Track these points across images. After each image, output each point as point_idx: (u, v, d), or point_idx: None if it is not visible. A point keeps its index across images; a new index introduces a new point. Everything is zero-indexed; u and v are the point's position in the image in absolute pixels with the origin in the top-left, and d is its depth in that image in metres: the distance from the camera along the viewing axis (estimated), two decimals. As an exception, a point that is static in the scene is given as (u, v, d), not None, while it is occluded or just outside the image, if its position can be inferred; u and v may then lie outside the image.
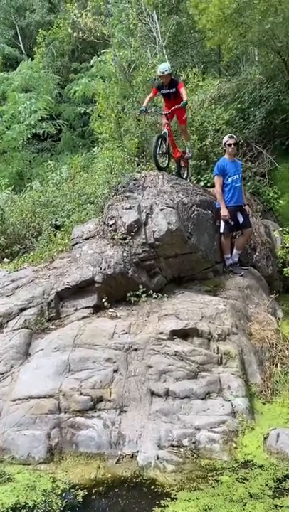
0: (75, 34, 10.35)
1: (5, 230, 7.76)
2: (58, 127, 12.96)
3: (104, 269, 5.74)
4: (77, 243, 6.42)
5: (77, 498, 3.58)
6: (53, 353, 4.85)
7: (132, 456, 3.96)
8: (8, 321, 5.47)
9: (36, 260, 6.95)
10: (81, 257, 6.09)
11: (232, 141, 6.72)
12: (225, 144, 6.81)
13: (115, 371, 4.58)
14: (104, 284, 5.72)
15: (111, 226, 6.16)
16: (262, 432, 4.09)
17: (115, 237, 6.00)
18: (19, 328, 5.32)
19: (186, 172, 7.80)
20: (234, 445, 3.98)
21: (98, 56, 14.02)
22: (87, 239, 6.38)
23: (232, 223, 6.67)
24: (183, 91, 6.89)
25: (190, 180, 7.59)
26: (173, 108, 6.95)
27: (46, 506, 3.48)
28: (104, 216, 6.44)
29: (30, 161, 12.00)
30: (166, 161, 7.09)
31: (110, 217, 6.23)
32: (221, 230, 6.66)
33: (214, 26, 7.98)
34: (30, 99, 12.29)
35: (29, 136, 11.74)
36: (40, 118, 11.85)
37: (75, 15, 10.10)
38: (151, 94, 7.22)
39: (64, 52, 16.08)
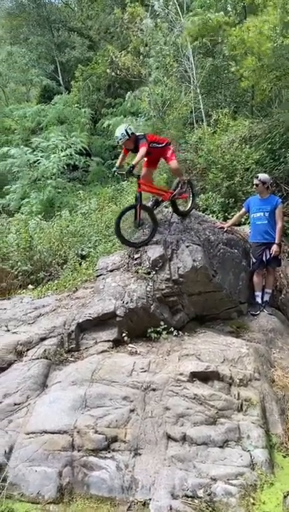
0: (112, 73, 10.74)
1: (32, 256, 7.89)
2: (91, 160, 13.32)
3: (127, 303, 5.72)
4: (101, 274, 6.43)
5: None
6: (70, 387, 4.78)
7: (144, 504, 3.79)
8: (28, 350, 5.45)
9: (60, 289, 7.00)
10: (104, 288, 6.09)
11: (254, 181, 6.80)
12: None
13: (132, 411, 4.46)
14: (126, 318, 5.68)
15: (136, 260, 6.16)
16: (282, 489, 3.87)
17: (139, 271, 5.98)
18: (38, 358, 5.29)
19: (189, 204, 6.90)
20: (252, 501, 3.77)
21: (133, 91, 14.48)
22: (111, 271, 6.39)
23: (253, 260, 6.73)
24: (140, 151, 5.83)
25: (190, 211, 6.84)
26: (127, 172, 5.84)
27: None
28: (129, 249, 6.47)
29: (61, 190, 12.28)
30: (145, 236, 6.17)
31: (136, 251, 6.24)
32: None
33: (250, 74, 8.19)
34: (67, 133, 12.77)
35: (64, 166, 12.11)
36: (76, 151, 12.26)
37: (113, 53, 10.52)
38: (122, 153, 6.34)
39: (100, 87, 16.67)
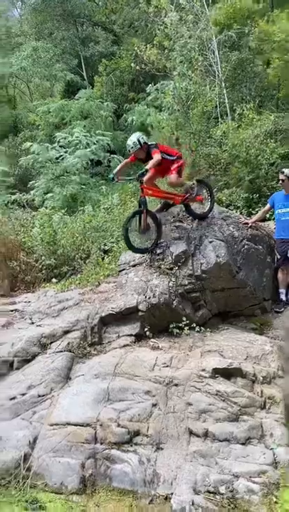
0: (137, 67, 10.72)
1: (55, 250, 7.97)
2: (113, 156, 13.35)
3: (149, 298, 5.73)
4: (123, 269, 6.46)
5: (108, 536, 3.49)
6: (93, 380, 4.83)
7: (166, 498, 3.81)
8: (51, 343, 5.53)
9: (83, 283, 7.06)
10: (127, 283, 6.12)
11: (280, 177, 6.70)
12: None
13: (154, 405, 4.48)
14: (148, 313, 5.70)
15: (158, 255, 6.16)
16: (305, 489, 3.83)
17: (162, 266, 5.99)
18: (62, 351, 5.36)
19: (207, 206, 6.51)
20: (274, 499, 3.74)
21: (155, 84, 14.41)
22: (134, 266, 6.41)
23: (277, 256, 6.69)
24: (154, 157, 5.82)
25: (208, 213, 6.49)
26: (139, 175, 5.85)
27: None
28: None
29: (84, 185, 12.37)
30: (151, 240, 6.09)
31: (158, 246, 6.24)
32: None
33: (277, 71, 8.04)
34: (92, 128, 12.83)
35: (88, 161, 12.20)
36: (102, 148, 12.35)
37: (138, 47, 10.50)
38: (127, 160, 6.38)
39: (124, 82, 16.64)
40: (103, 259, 7.65)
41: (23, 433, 4.35)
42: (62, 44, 19.46)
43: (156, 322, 5.74)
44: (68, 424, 4.36)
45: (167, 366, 4.93)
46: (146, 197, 6.14)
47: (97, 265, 7.47)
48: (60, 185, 11.91)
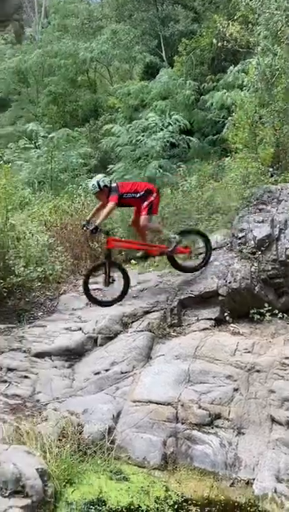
0: (219, 44, 10.38)
1: (134, 232, 8.09)
2: (190, 138, 13.14)
3: (230, 283, 5.66)
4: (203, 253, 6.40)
5: (190, 513, 3.55)
6: (174, 361, 4.91)
7: (248, 483, 3.82)
8: (132, 322, 5.69)
9: (161, 265, 7.11)
10: (206, 267, 6.08)
11: None
12: None
13: (235, 390, 4.47)
14: (228, 298, 5.65)
15: (240, 239, 6.03)
16: None
17: (244, 250, 5.86)
18: (142, 331, 5.49)
19: (199, 260, 6.22)
20: None
21: (238, 64, 13.90)
22: (214, 249, 6.34)
23: None
24: (106, 208, 5.71)
25: (200, 267, 6.13)
26: (90, 232, 5.87)
27: (159, 514, 3.52)
28: (233, 228, 6.34)
29: (161, 167, 12.35)
30: (114, 296, 6.02)
31: (240, 230, 6.10)
32: None
33: None
34: (170, 108, 12.70)
35: (167, 143, 12.16)
36: (180, 129, 12.23)
37: (220, 24, 10.14)
38: (98, 206, 6.13)
39: (204, 61, 16.21)
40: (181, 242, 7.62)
41: (107, 407, 4.54)
42: (141, 25, 19.36)
43: (237, 307, 5.67)
44: (150, 402, 4.49)
45: (249, 352, 4.88)
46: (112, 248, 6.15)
47: (176, 248, 7.45)
48: (139, 168, 11.99)
